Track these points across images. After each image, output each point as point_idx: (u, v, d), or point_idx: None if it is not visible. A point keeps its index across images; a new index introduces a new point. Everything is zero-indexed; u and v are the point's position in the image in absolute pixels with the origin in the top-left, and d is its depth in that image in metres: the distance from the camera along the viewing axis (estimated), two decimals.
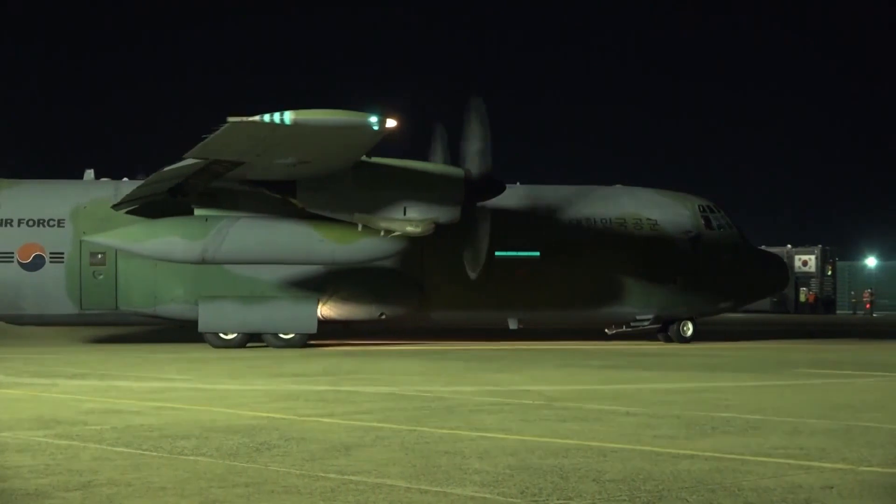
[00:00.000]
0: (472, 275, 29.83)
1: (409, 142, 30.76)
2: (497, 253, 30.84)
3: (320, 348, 29.59)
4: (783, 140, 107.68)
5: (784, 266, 37.04)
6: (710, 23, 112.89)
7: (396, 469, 10.41)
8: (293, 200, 27.12)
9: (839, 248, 77.49)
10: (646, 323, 33.03)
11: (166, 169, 26.24)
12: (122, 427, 13.30)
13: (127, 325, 32.97)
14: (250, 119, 22.04)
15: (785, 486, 9.64)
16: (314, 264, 29.50)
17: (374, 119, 22.96)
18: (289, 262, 29.06)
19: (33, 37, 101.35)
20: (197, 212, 28.25)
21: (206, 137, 23.22)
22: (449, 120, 30.74)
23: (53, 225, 29.81)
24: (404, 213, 27.39)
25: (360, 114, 23.10)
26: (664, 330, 33.57)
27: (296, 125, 22.20)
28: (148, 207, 28.71)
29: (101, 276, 29.71)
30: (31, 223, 29.77)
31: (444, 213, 27.65)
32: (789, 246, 70.47)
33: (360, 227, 27.77)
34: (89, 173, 32.83)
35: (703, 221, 33.41)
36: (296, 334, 29.87)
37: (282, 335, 29.88)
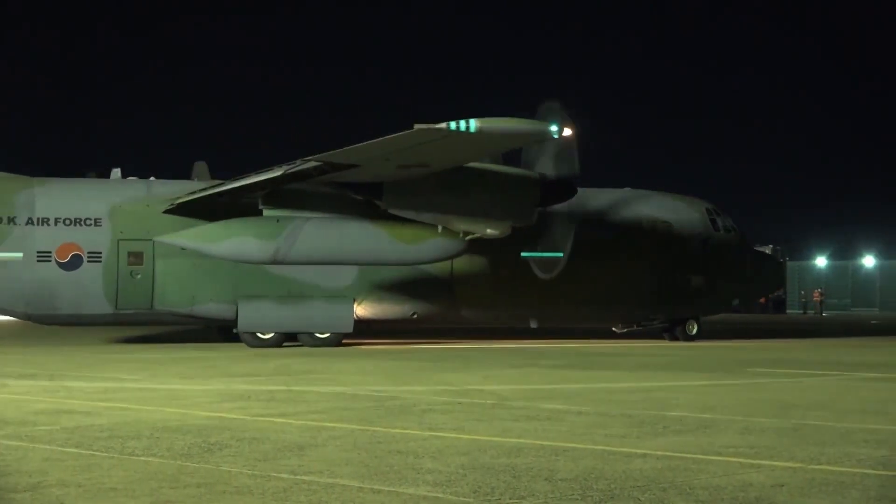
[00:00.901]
0: (546, 276, 30.75)
1: None
2: (522, 254, 31.58)
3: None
4: (735, 137, 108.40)
5: (780, 266, 38.50)
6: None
7: (349, 469, 10.38)
8: (378, 202, 27.61)
9: (789, 248, 78.23)
10: (657, 322, 34.53)
11: (273, 169, 26.84)
12: (72, 427, 13.19)
13: (160, 325, 33.20)
14: (438, 126, 22.55)
15: (736, 485, 9.70)
16: (381, 265, 30.14)
17: (554, 127, 23.82)
18: (357, 262, 29.75)
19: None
20: (266, 212, 28.69)
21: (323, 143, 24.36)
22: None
23: (91, 224, 29.71)
24: (484, 216, 28.12)
25: (540, 122, 24.01)
26: (670, 329, 34.75)
27: (480, 132, 22.69)
28: (196, 207, 29.25)
29: (139, 276, 29.71)
30: (68, 222, 29.63)
31: (521, 216, 28.53)
32: None
33: (439, 229, 28.54)
34: (116, 172, 33.11)
35: (710, 224, 34.56)
36: (331, 334, 30.33)
37: (318, 335, 30.28)
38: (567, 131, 24.23)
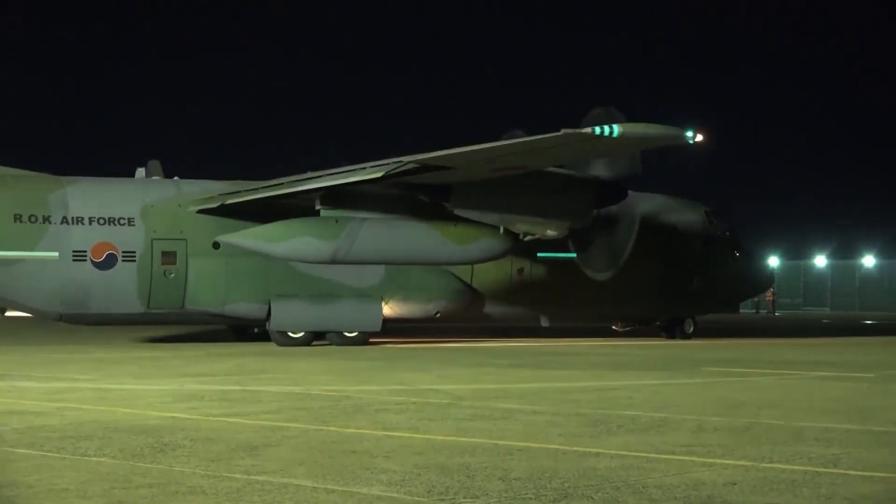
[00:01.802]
0: (601, 277, 31.42)
1: None
2: (539, 254, 32.38)
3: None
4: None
5: (768, 267, 38.95)
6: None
7: (303, 469, 10.36)
8: (445, 203, 28.37)
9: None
10: (658, 321, 35.74)
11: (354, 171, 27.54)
12: (23, 428, 13.08)
13: (188, 325, 33.39)
14: (584, 131, 23.46)
15: (689, 483, 9.75)
16: (433, 265, 30.91)
17: (690, 133, 24.28)
18: (411, 262, 30.41)
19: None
20: (323, 213, 29.07)
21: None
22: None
23: (124, 224, 29.71)
24: (544, 218, 28.85)
25: (676, 128, 24.42)
26: (668, 328, 35.84)
27: (622, 137, 23.32)
28: (245, 207, 29.60)
29: (172, 275, 29.80)
30: (101, 222, 29.59)
31: (578, 218, 29.37)
32: None
33: (501, 230, 29.23)
34: (141, 171, 33.16)
35: (709, 226, 35.53)
36: (359, 332, 30.71)
37: (346, 333, 30.66)
38: (699, 137, 24.58)
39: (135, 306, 29.68)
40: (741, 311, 73.74)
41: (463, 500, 9.05)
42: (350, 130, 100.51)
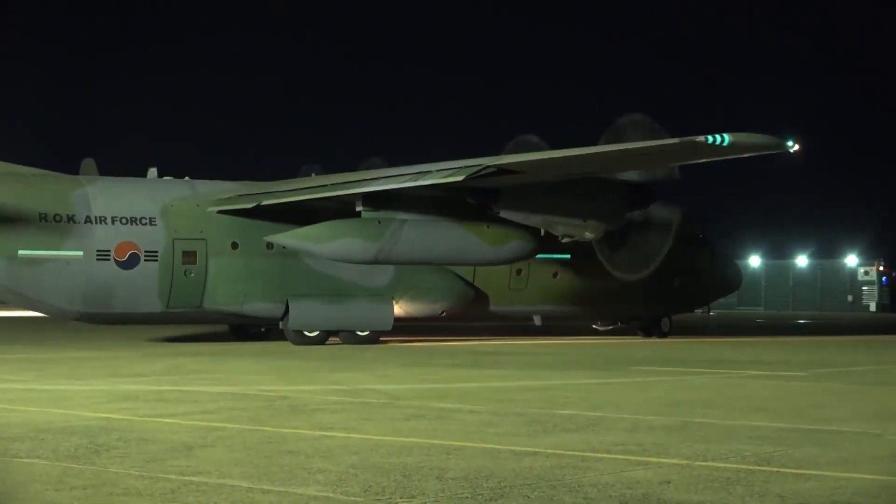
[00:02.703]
0: (630, 278, 32.50)
1: None
2: (538, 255, 32.79)
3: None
4: None
5: (738, 268, 40.72)
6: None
7: (239, 469, 10.31)
8: (492, 206, 29.52)
9: None
10: (640, 320, 36.89)
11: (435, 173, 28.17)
12: None
13: (205, 324, 33.73)
14: (699, 139, 24.38)
15: (624, 482, 9.81)
16: (467, 265, 32.03)
17: (790, 143, 25.48)
18: (447, 262, 31.43)
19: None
20: (364, 214, 29.82)
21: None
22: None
23: (146, 223, 29.94)
24: (583, 220, 30.02)
25: (778, 138, 25.57)
26: (645, 327, 37.15)
27: (732, 146, 24.50)
28: (283, 209, 30.30)
29: (192, 275, 30.12)
30: (124, 221, 29.77)
31: (614, 220, 30.71)
32: None
33: (542, 232, 30.28)
34: (153, 171, 33.24)
35: (686, 229, 36.25)
36: (371, 331, 31.46)
37: (358, 332, 31.39)
38: (796, 147, 25.73)
39: (154, 306, 29.99)
40: None
41: (399, 499, 9.05)
42: (350, 130, 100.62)
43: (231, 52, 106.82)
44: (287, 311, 30.80)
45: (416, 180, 28.35)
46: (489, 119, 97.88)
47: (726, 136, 24.16)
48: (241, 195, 30.99)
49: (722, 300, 79.79)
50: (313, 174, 34.26)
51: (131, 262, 29.56)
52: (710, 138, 24.11)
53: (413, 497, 9.13)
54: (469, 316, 34.31)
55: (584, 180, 29.74)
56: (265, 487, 9.47)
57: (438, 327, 35.05)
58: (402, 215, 29.86)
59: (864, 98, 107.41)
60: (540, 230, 30.33)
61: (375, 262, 29.98)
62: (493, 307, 33.85)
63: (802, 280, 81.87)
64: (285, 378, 20.44)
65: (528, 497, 9.15)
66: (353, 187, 29.62)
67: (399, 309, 32.01)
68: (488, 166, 27.15)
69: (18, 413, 14.63)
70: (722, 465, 10.75)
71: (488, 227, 30.24)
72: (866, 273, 79.89)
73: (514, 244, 30.54)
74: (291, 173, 35.29)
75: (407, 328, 33.47)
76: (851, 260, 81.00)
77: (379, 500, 9.03)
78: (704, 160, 27.73)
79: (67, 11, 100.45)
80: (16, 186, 29.15)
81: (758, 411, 15.28)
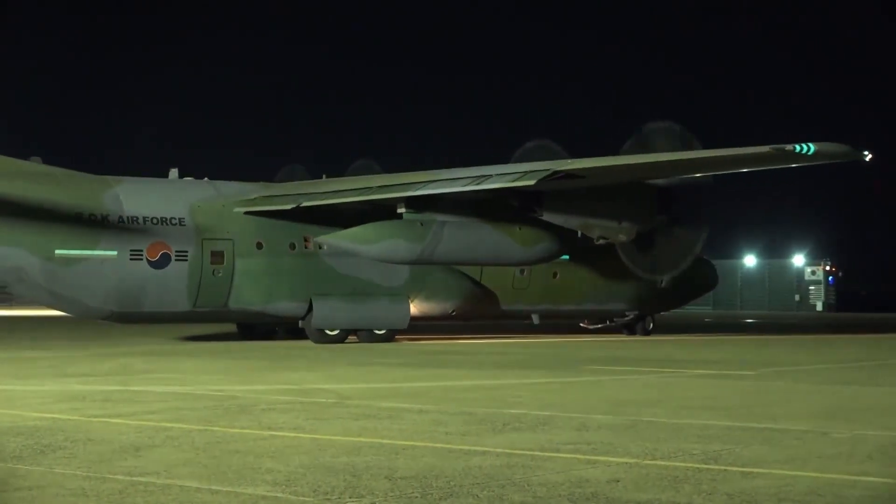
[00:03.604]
0: (655, 279, 34.12)
1: None
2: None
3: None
4: None
5: (713, 268, 41.86)
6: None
7: (187, 469, 10.25)
8: (536, 209, 30.85)
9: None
10: (627, 318, 37.95)
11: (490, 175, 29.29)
12: None
13: (228, 322, 34.17)
14: (787, 147, 25.78)
15: (573, 481, 9.83)
16: (501, 265, 33.11)
17: (866, 152, 26.64)
18: (483, 263, 32.74)
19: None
20: (406, 216, 30.83)
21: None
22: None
23: (175, 224, 30.34)
24: (618, 222, 31.46)
25: (856, 149, 26.65)
26: (630, 325, 38.30)
27: (816, 154, 25.73)
28: (325, 210, 31.14)
29: (220, 274, 30.58)
30: (155, 221, 30.14)
31: (644, 223, 32.07)
32: None
33: (579, 234, 31.47)
34: (174, 172, 33.55)
35: None
36: (387, 330, 32.36)
37: (376, 331, 32.25)
38: (869, 156, 26.93)
39: (183, 305, 30.42)
40: None
41: (349, 499, 9.03)
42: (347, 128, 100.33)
43: (231, 52, 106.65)
44: (310, 310, 31.44)
45: (478, 184, 29.15)
46: (489, 119, 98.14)
47: (812, 146, 25.47)
48: (271, 196, 31.77)
49: None
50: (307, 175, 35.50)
51: (163, 262, 30.00)
52: (798, 147, 25.41)
53: (362, 497, 9.11)
54: (477, 315, 35.22)
55: (623, 184, 30.97)
56: (214, 488, 9.42)
57: (422, 326, 35.20)
58: (441, 217, 30.89)
59: (809, 97, 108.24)
60: (575, 232, 31.52)
61: (418, 262, 31.13)
62: (498, 307, 34.78)
63: (750, 280, 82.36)
64: (234, 378, 20.35)
65: (477, 496, 9.15)
66: (402, 190, 30.37)
67: (414, 308, 32.82)
68: (558, 171, 28.05)
69: None
70: (670, 463, 10.80)
71: (520, 228, 31.43)
72: (813, 273, 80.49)
73: (544, 245, 31.73)
74: (270, 175, 36.19)
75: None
76: (799, 260, 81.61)
77: (328, 499, 9.00)
78: (778, 167, 28.93)
79: (68, 11, 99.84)
80: (50, 186, 29.44)
81: (706, 410, 15.36)
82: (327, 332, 31.60)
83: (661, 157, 28.72)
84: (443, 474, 10.09)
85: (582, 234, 31.44)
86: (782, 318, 64.80)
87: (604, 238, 31.56)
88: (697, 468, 10.53)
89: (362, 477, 9.94)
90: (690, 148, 29.62)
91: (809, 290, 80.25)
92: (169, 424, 13.38)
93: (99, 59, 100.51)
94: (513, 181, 28.49)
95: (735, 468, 10.52)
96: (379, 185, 31.07)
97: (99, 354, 26.30)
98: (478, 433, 12.82)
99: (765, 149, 26.21)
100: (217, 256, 30.62)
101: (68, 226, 29.09)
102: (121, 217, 29.71)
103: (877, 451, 11.61)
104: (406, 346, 30.95)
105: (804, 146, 25.52)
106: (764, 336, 40.56)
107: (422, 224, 30.75)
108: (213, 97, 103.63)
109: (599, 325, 38.84)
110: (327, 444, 11.89)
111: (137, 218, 29.91)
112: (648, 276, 33.85)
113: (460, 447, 11.69)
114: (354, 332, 32.26)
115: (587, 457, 11.14)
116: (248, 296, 30.98)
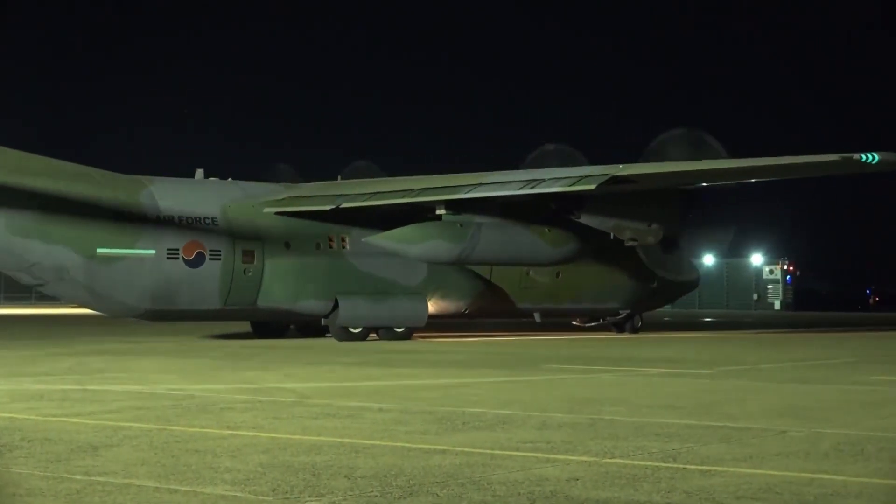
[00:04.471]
0: (678, 279, 36.40)
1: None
2: None
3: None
4: None
5: (696, 268, 42.87)
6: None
7: (145, 469, 10.19)
8: (575, 211, 32.11)
9: None
10: (619, 317, 38.79)
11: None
12: None
13: (256, 320, 34.41)
14: (854, 157, 26.52)
15: (532, 479, 9.85)
16: (532, 265, 34.19)
17: None
18: (517, 263, 33.65)
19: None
20: (445, 217, 31.52)
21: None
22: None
23: (209, 223, 30.83)
24: (647, 225, 32.70)
25: None
26: (619, 323, 39.14)
27: (879, 164, 26.72)
28: (361, 211, 31.85)
29: (250, 273, 31.07)
30: (189, 221, 30.62)
31: (673, 227, 33.44)
32: None
33: (612, 236, 32.74)
34: (199, 172, 33.87)
35: None
36: (406, 328, 33.18)
37: (396, 329, 33.02)
38: None
39: (214, 303, 30.90)
40: None
41: (308, 498, 9.00)
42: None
43: (231, 51, 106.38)
44: (335, 308, 32.01)
45: (533, 188, 29.68)
46: (489, 119, 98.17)
47: (876, 155, 26.34)
48: (303, 196, 32.40)
49: None
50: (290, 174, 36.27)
51: (198, 261, 30.50)
52: (864, 156, 26.21)
53: (322, 496, 9.09)
54: (487, 313, 36.06)
55: (655, 189, 31.87)
56: (172, 487, 9.38)
57: (436, 324, 35.59)
58: (479, 218, 31.63)
59: (767, 97, 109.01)
60: (598, 233, 32.54)
61: (458, 262, 31.97)
62: (507, 305, 35.56)
63: (709, 278, 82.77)
64: (193, 377, 20.26)
65: (437, 495, 9.15)
66: (449, 193, 30.97)
67: (430, 306, 33.45)
68: (617, 176, 28.71)
69: None
70: (629, 461, 10.84)
71: (548, 230, 32.41)
72: (771, 272, 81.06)
73: (569, 246, 32.67)
74: (259, 174, 36.34)
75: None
76: (757, 259, 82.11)
77: (288, 498, 8.98)
78: (841, 174, 29.48)
79: (66, 11, 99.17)
80: (90, 185, 29.74)
81: (665, 408, 15.43)
82: (351, 329, 32.26)
83: (719, 164, 29.85)
84: (402, 473, 10.09)
85: (613, 235, 32.52)
86: (740, 316, 65.17)
87: (633, 240, 32.79)
88: (656, 466, 10.57)
89: (322, 476, 9.92)
90: (705, 151, 30.59)
91: (767, 288, 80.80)
92: (127, 424, 13.30)
93: (99, 59, 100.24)
94: (570, 185, 29.25)
95: (693, 466, 10.57)
96: (421, 187, 31.72)
97: (56, 353, 26.12)
98: (437, 432, 12.82)
99: (833, 157, 26.91)
100: (248, 256, 31.22)
101: (109, 225, 29.53)
102: (158, 216, 30.21)
103: (833, 450, 11.69)
104: (364, 345, 30.96)
105: (869, 155, 26.31)
106: (722, 334, 40.79)
107: (461, 225, 31.51)
108: (214, 97, 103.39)
109: (593, 324, 39.58)
110: (287, 443, 11.86)
111: (173, 217, 30.41)
112: (673, 278, 35.45)
113: (420, 446, 11.69)
114: (375, 329, 32.86)
115: (546, 455, 11.16)
116: (278, 294, 31.59)
